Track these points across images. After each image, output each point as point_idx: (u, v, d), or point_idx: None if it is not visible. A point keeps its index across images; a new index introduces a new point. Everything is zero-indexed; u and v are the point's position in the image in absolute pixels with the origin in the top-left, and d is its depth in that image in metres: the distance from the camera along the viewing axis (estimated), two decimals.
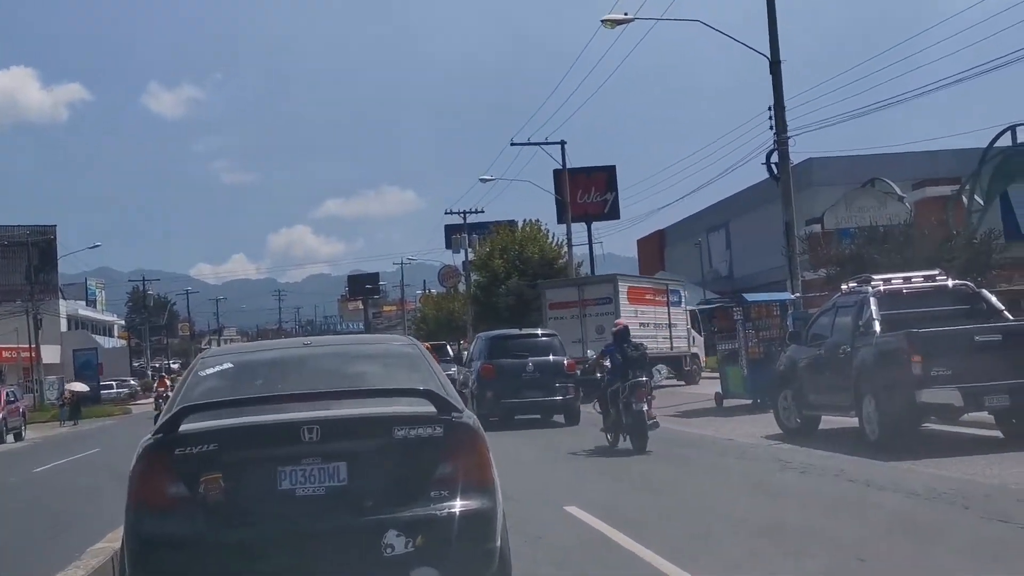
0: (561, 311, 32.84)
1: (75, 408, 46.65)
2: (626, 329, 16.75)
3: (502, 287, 57.32)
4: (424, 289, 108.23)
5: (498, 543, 5.61)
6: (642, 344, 16.84)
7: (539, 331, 25.09)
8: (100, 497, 14.69)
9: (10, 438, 35.14)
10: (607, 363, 16.47)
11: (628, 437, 15.41)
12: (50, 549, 10.09)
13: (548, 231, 59.60)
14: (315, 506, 5.36)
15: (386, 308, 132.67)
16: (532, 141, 48.21)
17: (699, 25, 25.02)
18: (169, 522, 5.31)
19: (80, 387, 51.42)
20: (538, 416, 21.96)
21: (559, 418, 21.88)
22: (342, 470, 5.43)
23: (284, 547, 5.27)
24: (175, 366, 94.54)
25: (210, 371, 6.42)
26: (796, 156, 26.63)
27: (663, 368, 23.67)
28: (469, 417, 5.84)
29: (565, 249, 54.38)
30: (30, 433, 38.51)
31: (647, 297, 34.44)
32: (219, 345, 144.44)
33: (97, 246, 71.58)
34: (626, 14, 24.80)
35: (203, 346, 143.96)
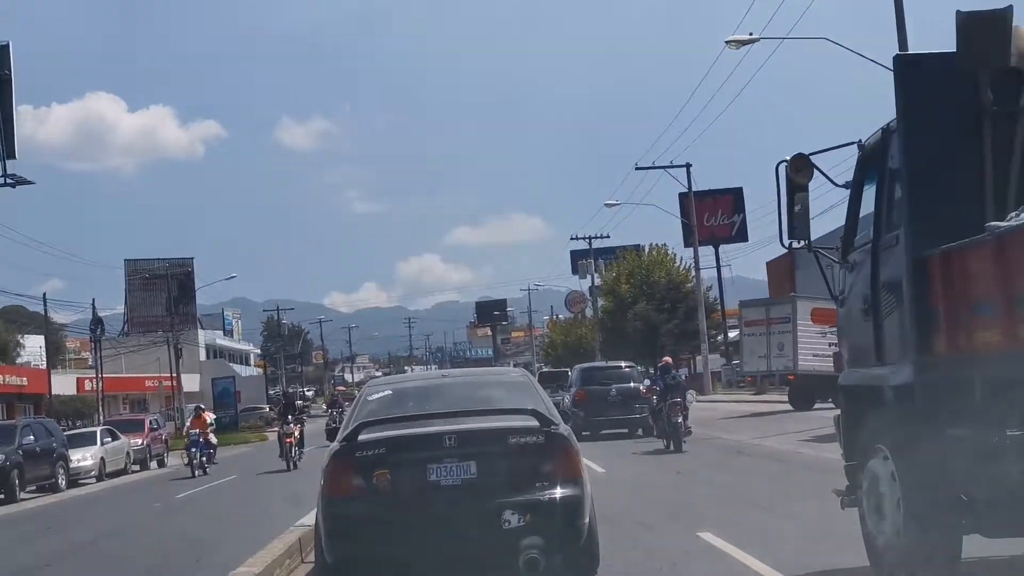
0: (752, 328, 35.71)
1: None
2: (667, 364, 24.16)
3: (630, 312, 56.93)
4: (552, 315, 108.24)
5: (586, 520, 7.56)
6: (680, 374, 23.73)
7: (622, 363, 31.64)
8: (236, 524, 15.06)
9: (154, 464, 36.32)
10: (656, 388, 23.04)
11: (671, 441, 21.40)
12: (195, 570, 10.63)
13: (675, 255, 59.04)
14: (454, 493, 7.44)
15: (514, 334, 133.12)
16: (657, 165, 47.80)
17: (825, 42, 24.41)
18: (352, 504, 7.48)
19: (209, 417, 51.38)
20: (624, 430, 27.11)
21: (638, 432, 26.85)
22: (472, 467, 7.49)
23: (433, 522, 7.39)
24: (309, 394, 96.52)
25: (376, 396, 8.80)
26: None
27: (694, 392, 28.92)
28: (564, 429, 7.89)
29: (693, 273, 53.72)
30: (172, 460, 39.71)
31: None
32: (351, 373, 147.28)
33: (233, 277, 73.21)
34: (751, 34, 24.34)
35: (336, 373, 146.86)
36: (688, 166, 48.07)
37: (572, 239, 69.70)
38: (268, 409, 71.29)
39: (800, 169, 7.95)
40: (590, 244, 67.91)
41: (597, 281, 65.98)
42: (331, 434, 25.11)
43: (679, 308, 55.89)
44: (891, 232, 6.99)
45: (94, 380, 58.22)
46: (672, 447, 21.22)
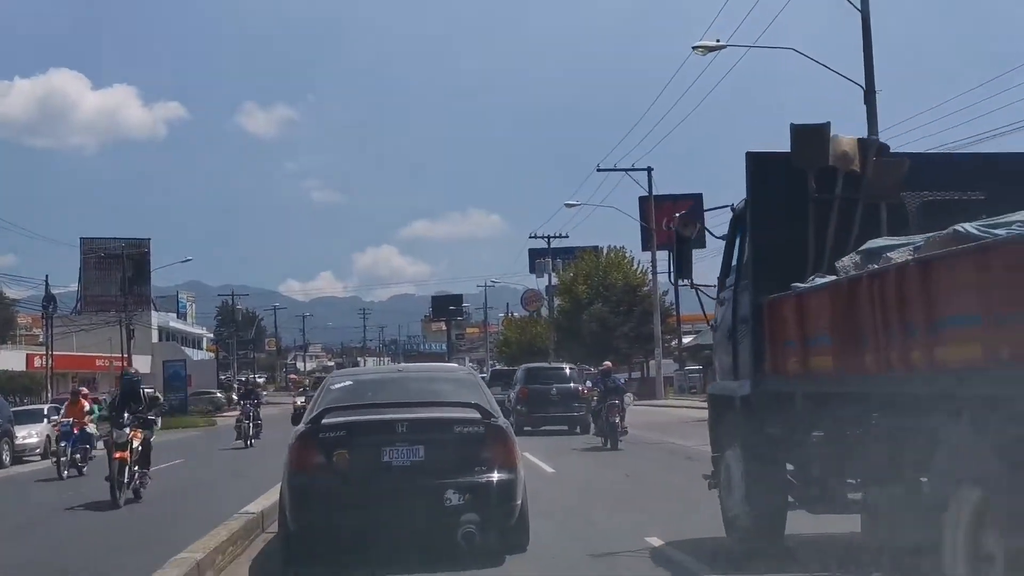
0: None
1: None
2: (607, 369, 25.87)
3: (585, 313, 57.11)
4: (507, 312, 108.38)
5: (519, 502, 8.75)
6: (618, 379, 26.00)
7: (564, 365, 34.32)
8: (187, 506, 14.81)
9: (100, 444, 35.96)
10: (597, 390, 24.95)
11: (608, 439, 22.82)
12: (135, 559, 9.63)
13: (633, 258, 59.27)
14: (404, 472, 8.50)
15: (469, 330, 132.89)
16: (619, 167, 48.08)
17: (792, 53, 24.78)
18: (314, 479, 8.52)
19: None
20: (564, 427, 28.84)
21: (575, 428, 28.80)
22: (420, 451, 8.56)
23: (385, 497, 8.47)
24: (261, 380, 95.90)
25: (338, 386, 9.89)
26: None
27: (631, 395, 31.29)
28: (503, 422, 9.07)
29: (650, 277, 54.03)
30: None
31: None
32: (304, 361, 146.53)
33: (189, 260, 72.66)
34: (718, 41, 24.59)
35: (289, 361, 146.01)
36: (649, 170, 48.48)
37: (531, 237, 69.96)
38: (218, 394, 70.98)
39: (687, 225, 10.43)
40: (548, 243, 68.18)
41: (554, 280, 66.24)
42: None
43: (635, 311, 56.15)
44: (744, 280, 9.03)
45: (44, 357, 57.75)
46: (609, 445, 22.77)
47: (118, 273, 67.04)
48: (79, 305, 71.87)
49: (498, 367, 63.39)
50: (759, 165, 8.90)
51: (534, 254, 74.91)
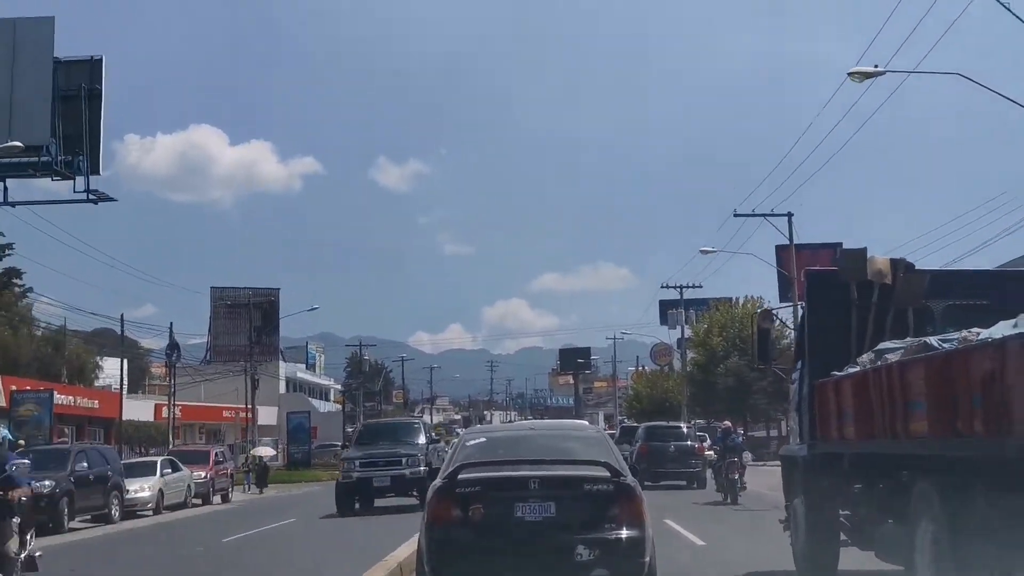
0: None
1: (262, 474, 43.65)
2: (728, 428, 28.11)
3: (720, 367, 54.46)
4: (637, 365, 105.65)
5: (647, 559, 8.87)
6: (738, 437, 27.65)
7: (681, 424, 37.87)
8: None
9: (217, 499, 34.91)
10: (716, 448, 27.39)
11: (728, 495, 24.55)
12: None
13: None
14: (536, 527, 8.75)
15: (597, 384, 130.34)
16: (757, 212, 45.47)
17: (956, 78, 22.19)
18: (451, 532, 8.81)
19: (266, 451, 48.68)
20: (682, 482, 30.82)
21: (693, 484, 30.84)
22: (552, 507, 8.79)
23: (518, 550, 8.74)
24: None
25: (473, 442, 10.11)
26: None
27: (749, 454, 32.55)
28: (631, 480, 9.15)
29: (789, 330, 51.04)
30: (238, 495, 38.37)
31: None
32: (431, 414, 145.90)
33: (315, 308, 72.34)
34: (876, 66, 22.15)
35: (415, 414, 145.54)
36: (790, 215, 45.61)
37: (663, 287, 67.34)
38: (343, 447, 70.05)
39: (766, 318, 14.45)
40: (681, 294, 65.46)
41: (687, 332, 63.60)
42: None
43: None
44: (804, 366, 11.23)
45: (168, 407, 57.61)
46: (729, 500, 24.38)
47: (247, 323, 66.91)
48: (208, 355, 71.98)
49: (627, 423, 61.02)
50: (814, 279, 11.54)
51: (665, 305, 72.31)
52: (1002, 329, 7.03)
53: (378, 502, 25.52)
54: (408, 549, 11.79)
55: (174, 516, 28.52)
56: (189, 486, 31.74)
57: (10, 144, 26.75)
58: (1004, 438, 6.36)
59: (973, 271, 13.43)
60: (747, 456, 28.28)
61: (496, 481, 9.01)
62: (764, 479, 26.31)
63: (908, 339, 9.00)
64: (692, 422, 43.53)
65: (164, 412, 59.57)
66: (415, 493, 23.61)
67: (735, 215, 46.21)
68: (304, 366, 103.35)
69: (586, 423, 15.50)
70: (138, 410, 63.17)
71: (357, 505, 25.03)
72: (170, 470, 30.58)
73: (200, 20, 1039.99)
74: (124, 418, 59.22)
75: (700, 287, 66.23)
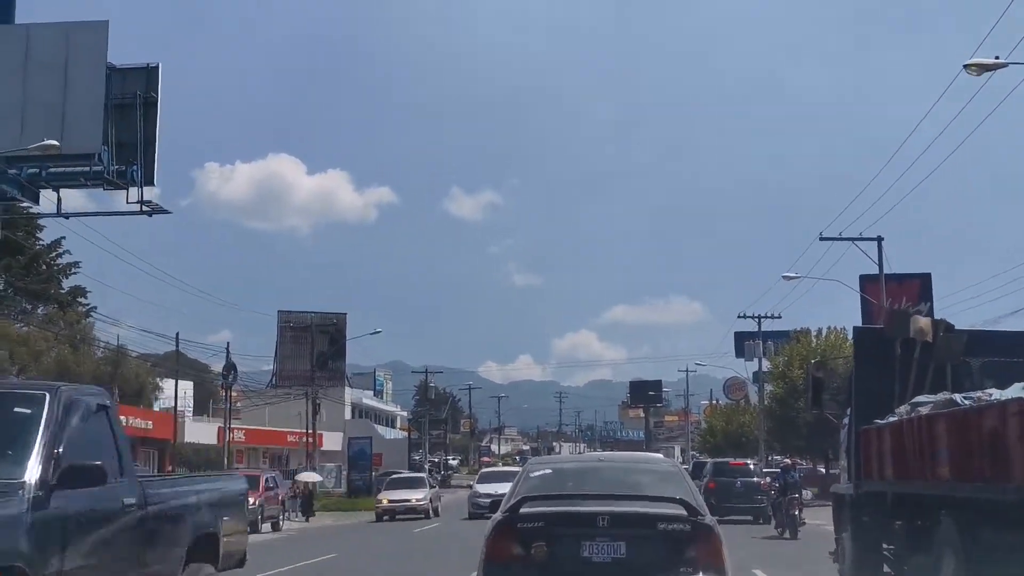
0: None
1: (307, 502, 42.26)
2: (788, 466, 29.98)
3: (801, 401, 51.70)
4: (710, 399, 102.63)
5: None
6: (796, 474, 29.00)
7: (748, 461, 39.13)
8: None
9: (266, 526, 33.18)
10: (776, 484, 28.07)
11: (788, 530, 25.60)
12: None
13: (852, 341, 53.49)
14: (604, 569, 8.13)
15: (668, 417, 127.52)
16: (844, 236, 42.83)
17: None
18: (510, 571, 8.24)
19: (312, 477, 47.27)
20: (749, 517, 31.67)
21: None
22: (623, 547, 8.19)
23: None
24: (454, 463, 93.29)
25: (537, 474, 9.65)
26: None
27: (809, 492, 34.21)
28: (710, 520, 8.49)
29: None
30: (290, 524, 36.69)
31: None
32: (499, 444, 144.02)
33: (378, 332, 70.29)
34: (997, 58, 19.71)
35: (483, 444, 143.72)
36: (880, 239, 42.85)
37: (739, 317, 64.59)
38: (437, 474, 68.16)
39: (819, 368, 16.90)
40: (759, 324, 62.69)
41: (765, 365, 60.83)
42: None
43: None
44: (852, 414, 12.66)
45: (233, 430, 56.36)
46: (788, 535, 25.52)
47: (313, 348, 65.82)
48: (274, 378, 70.93)
49: (698, 458, 58.45)
50: (861, 335, 13.30)
51: (741, 337, 69.46)
52: (1014, 391, 8.25)
53: None
54: None
55: None
56: None
57: (47, 143, 25.41)
58: (1005, 483, 7.57)
59: (1009, 332, 14.66)
60: (807, 493, 31.07)
61: (562, 516, 8.35)
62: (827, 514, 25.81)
63: (941, 394, 10.04)
64: (769, 457, 43.85)
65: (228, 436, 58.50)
66: None
67: (820, 239, 43.58)
68: (372, 393, 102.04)
69: (660, 456, 14.18)
70: (200, 433, 62.23)
71: None
72: None
73: (279, 50, 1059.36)
74: (186, 441, 58.37)
75: (779, 317, 63.45)
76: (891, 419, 10.67)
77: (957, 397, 9.30)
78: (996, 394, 8.52)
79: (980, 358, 11.13)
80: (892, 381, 11.52)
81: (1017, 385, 8.38)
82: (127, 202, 32.51)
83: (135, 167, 31.98)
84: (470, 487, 44.76)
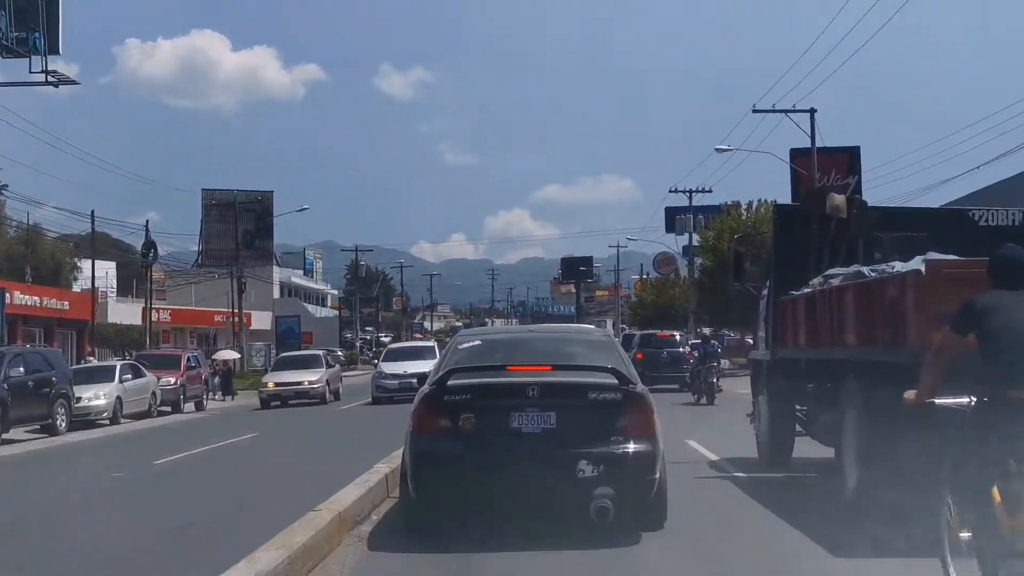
0: None
1: (227, 380, 40.97)
2: (706, 337, 31.31)
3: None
4: (641, 274, 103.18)
5: (657, 475, 8.19)
6: (715, 344, 30.32)
7: (675, 333, 39.92)
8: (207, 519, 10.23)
9: (189, 406, 32.49)
10: (696, 354, 29.09)
11: (705, 396, 26.91)
12: None
13: None
14: (533, 440, 8.01)
15: (599, 293, 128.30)
16: (777, 108, 42.31)
17: None
18: (438, 444, 8.10)
19: (231, 355, 46.03)
20: (674, 386, 31.74)
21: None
22: (552, 417, 8.03)
23: (512, 465, 7.96)
24: (386, 339, 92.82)
25: (465, 346, 9.42)
26: None
27: (727, 360, 35.43)
28: (641, 388, 8.40)
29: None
30: (213, 404, 36.05)
31: None
32: (431, 321, 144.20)
33: (305, 208, 68.42)
34: None
35: (416, 321, 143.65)
36: (812, 111, 42.44)
37: (670, 192, 64.29)
38: (339, 352, 67.71)
39: (741, 244, 17.35)
40: (690, 198, 62.51)
41: (695, 239, 60.79)
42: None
43: None
44: (770, 285, 13.02)
45: (159, 310, 55.21)
46: (705, 401, 26.84)
47: (241, 226, 64.28)
48: (199, 258, 69.44)
49: (628, 331, 58.64)
50: (781, 212, 13.64)
51: (672, 212, 69.31)
52: (914, 263, 8.66)
53: None
54: (356, 492, 9.39)
55: (132, 427, 25.94)
56: (154, 393, 29.10)
57: None
58: (901, 347, 8.27)
59: (917, 208, 15.59)
60: (724, 363, 32.30)
61: (490, 387, 8.24)
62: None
63: (852, 267, 10.43)
64: (698, 329, 43.88)
65: (153, 316, 57.22)
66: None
67: (753, 111, 43.23)
68: (302, 272, 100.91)
69: (592, 327, 13.98)
70: (124, 314, 60.92)
71: None
72: (131, 376, 27.92)
73: None
74: (109, 321, 57.05)
75: (710, 191, 63.35)
76: (805, 291, 11.19)
77: (865, 270, 9.72)
78: (898, 267, 8.92)
79: (890, 233, 11.59)
80: (808, 256, 12.00)
81: (918, 258, 8.74)
82: (30, 71, 30.86)
83: (37, 34, 30.20)
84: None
